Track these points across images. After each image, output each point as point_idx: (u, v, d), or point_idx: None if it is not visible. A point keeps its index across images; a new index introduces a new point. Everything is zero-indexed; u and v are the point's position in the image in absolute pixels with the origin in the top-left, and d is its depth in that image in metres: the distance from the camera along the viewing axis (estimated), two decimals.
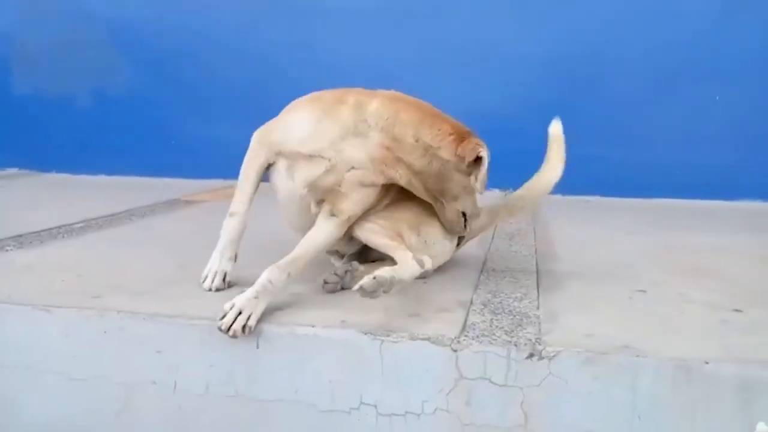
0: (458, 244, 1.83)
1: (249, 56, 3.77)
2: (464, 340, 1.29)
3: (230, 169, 3.66)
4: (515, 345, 1.27)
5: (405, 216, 1.69)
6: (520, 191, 1.87)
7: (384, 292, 1.37)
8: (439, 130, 1.59)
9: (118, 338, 1.43)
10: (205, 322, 1.39)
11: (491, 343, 1.28)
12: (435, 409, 1.29)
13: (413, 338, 1.31)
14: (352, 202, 1.60)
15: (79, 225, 2.41)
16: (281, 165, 1.63)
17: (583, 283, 1.73)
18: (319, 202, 1.62)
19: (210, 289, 1.59)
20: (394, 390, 1.30)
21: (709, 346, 1.27)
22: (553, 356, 1.24)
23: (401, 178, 1.61)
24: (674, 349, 1.25)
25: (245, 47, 3.78)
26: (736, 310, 1.50)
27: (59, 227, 2.36)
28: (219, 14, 3.79)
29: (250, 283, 1.42)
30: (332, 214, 1.60)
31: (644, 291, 1.66)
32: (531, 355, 1.25)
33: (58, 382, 1.46)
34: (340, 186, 1.59)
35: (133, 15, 3.91)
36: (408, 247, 1.64)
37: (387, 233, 1.62)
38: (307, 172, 1.59)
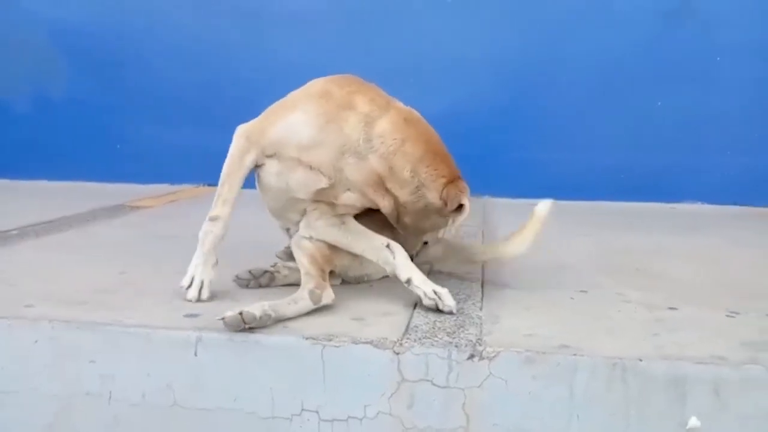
0: None
1: (197, 58, 3.71)
2: (406, 342, 1.29)
3: (178, 174, 3.67)
4: (456, 346, 1.27)
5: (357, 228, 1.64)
6: (484, 246, 1.82)
7: (255, 326, 1.32)
8: (435, 170, 1.51)
9: (50, 348, 1.37)
10: (141, 330, 1.35)
11: (433, 345, 1.28)
12: (377, 413, 1.28)
13: (355, 342, 1.30)
14: (346, 209, 1.61)
15: (14, 232, 2.32)
16: (272, 168, 1.56)
17: (527, 285, 1.75)
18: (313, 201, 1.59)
19: (194, 300, 1.51)
20: (336, 395, 1.29)
21: (643, 345, 1.30)
22: (494, 357, 1.25)
23: (385, 207, 1.56)
24: (610, 347, 1.28)
25: (193, 48, 3.71)
26: (671, 309, 1.54)
27: None
28: (165, 15, 3.71)
29: (226, 291, 1.38)
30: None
31: (585, 291, 1.69)
32: (472, 356, 1.25)
33: None
34: (336, 200, 1.57)
35: (74, 15, 3.79)
36: (342, 267, 1.64)
37: (311, 256, 1.57)
38: (305, 182, 1.54)
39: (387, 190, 1.53)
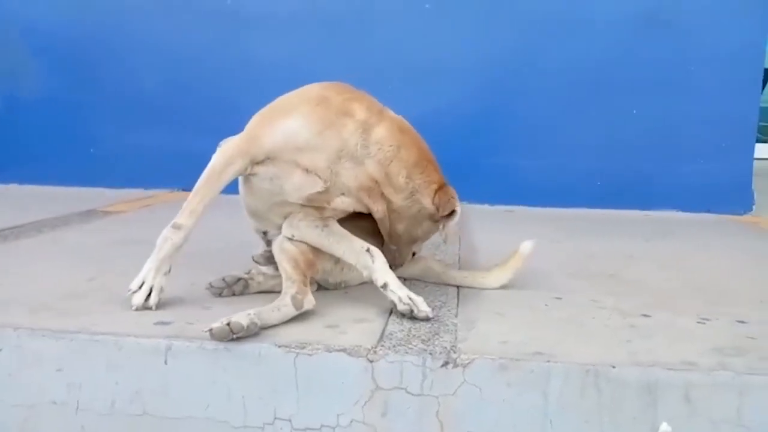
0: None
1: (173, 59, 3.66)
2: (381, 350, 1.28)
3: (152, 179, 3.62)
4: (431, 354, 1.27)
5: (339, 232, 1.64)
6: (462, 273, 1.82)
7: (243, 336, 1.30)
8: (428, 177, 1.58)
9: (15, 357, 1.34)
10: (110, 338, 1.32)
11: (407, 353, 1.27)
12: (351, 422, 1.27)
13: (329, 350, 1.28)
14: (334, 213, 1.61)
15: None
16: (265, 172, 1.54)
17: (502, 291, 1.75)
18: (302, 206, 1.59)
19: (140, 307, 1.46)
20: (310, 403, 1.27)
21: (616, 351, 1.31)
22: (468, 364, 1.25)
23: (378, 212, 1.59)
24: (584, 354, 1.28)
25: (169, 50, 3.66)
26: (644, 315, 1.55)
27: None
28: (140, 15, 3.66)
29: (181, 299, 1.35)
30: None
31: (560, 298, 1.70)
32: (446, 363, 1.25)
33: None
34: (329, 204, 1.57)
35: (47, 14, 3.71)
36: (323, 272, 1.64)
37: (295, 260, 1.56)
38: (301, 186, 1.53)
39: (381, 195, 1.56)
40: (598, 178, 3.55)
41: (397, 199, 1.57)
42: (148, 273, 1.50)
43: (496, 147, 3.57)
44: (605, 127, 3.54)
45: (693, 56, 3.47)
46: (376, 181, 1.55)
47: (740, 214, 3.46)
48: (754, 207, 3.49)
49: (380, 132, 1.54)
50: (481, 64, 3.54)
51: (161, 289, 1.50)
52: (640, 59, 3.49)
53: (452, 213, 1.60)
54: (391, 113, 1.62)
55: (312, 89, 1.60)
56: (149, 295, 1.48)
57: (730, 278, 2.01)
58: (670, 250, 2.48)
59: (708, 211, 3.45)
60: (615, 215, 3.32)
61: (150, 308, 1.47)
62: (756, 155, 3.58)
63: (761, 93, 3.66)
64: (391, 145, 1.54)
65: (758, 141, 3.63)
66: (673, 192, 3.50)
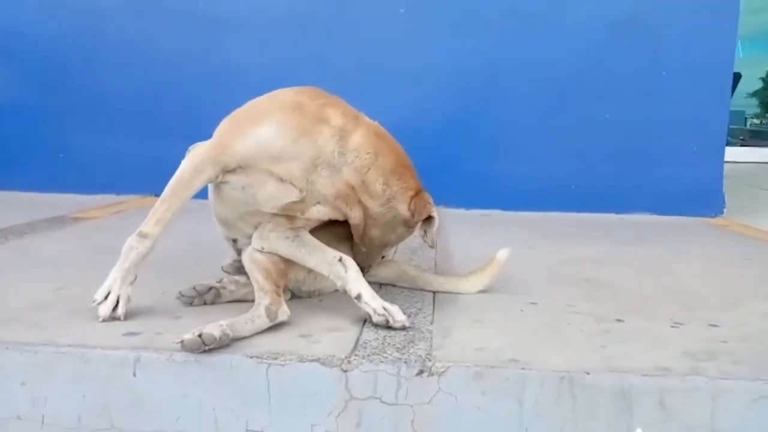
0: None
1: (144, 65, 3.61)
2: (355, 359, 1.26)
3: (124, 184, 3.55)
4: (405, 362, 1.25)
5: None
6: (438, 278, 1.81)
7: (215, 347, 1.27)
8: (405, 183, 1.56)
9: None
10: (76, 350, 1.28)
11: (382, 362, 1.26)
12: None
13: (302, 360, 1.26)
14: (308, 223, 1.58)
15: None
16: (238, 182, 1.49)
17: (478, 296, 1.75)
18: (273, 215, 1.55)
19: (106, 318, 1.42)
20: (282, 415, 1.25)
21: (591, 357, 1.31)
22: (443, 372, 1.23)
23: (354, 218, 1.56)
24: (559, 361, 1.28)
25: (139, 55, 3.61)
26: (618, 320, 1.56)
27: None
28: (111, 20, 3.60)
29: (151, 309, 1.32)
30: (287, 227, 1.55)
31: (535, 303, 1.70)
32: (421, 372, 1.23)
33: None
34: (303, 214, 1.54)
35: (15, 18, 3.64)
36: (296, 281, 1.62)
37: (266, 270, 1.54)
38: (275, 195, 1.49)
39: (358, 202, 1.54)
40: (573, 182, 3.58)
41: (374, 206, 1.55)
42: (113, 283, 1.45)
43: (472, 152, 3.58)
44: (580, 133, 3.58)
45: (665, 63, 3.53)
46: (353, 188, 1.53)
47: (711, 217, 3.51)
48: (725, 210, 3.55)
49: (357, 139, 1.51)
50: (456, 70, 3.55)
51: (128, 299, 1.46)
52: (614, 66, 3.54)
53: (430, 218, 1.60)
54: (366, 118, 1.59)
55: (285, 94, 1.56)
56: (116, 305, 1.44)
57: (703, 282, 2.04)
58: (645, 253, 2.50)
59: (681, 214, 3.50)
60: (590, 219, 3.35)
61: (118, 318, 1.43)
62: (726, 158, 3.64)
63: (731, 98, 3.73)
64: (368, 152, 1.52)
65: (728, 144, 3.70)
66: (647, 196, 3.55)
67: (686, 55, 3.50)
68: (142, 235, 1.46)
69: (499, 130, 3.59)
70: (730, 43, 3.54)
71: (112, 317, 1.43)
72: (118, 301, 1.45)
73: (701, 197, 3.55)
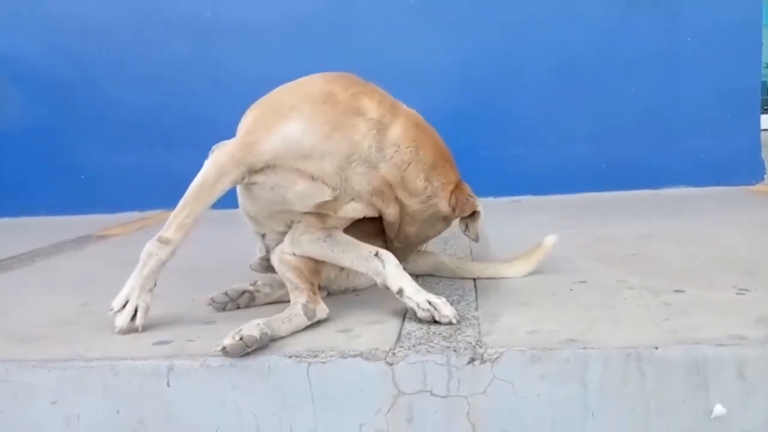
0: None
1: (152, 78, 3.56)
2: (400, 351, 1.18)
3: (147, 200, 3.51)
4: (455, 350, 1.16)
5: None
6: (479, 265, 1.73)
7: (256, 348, 1.19)
8: (446, 178, 1.44)
9: (4, 392, 1.23)
10: (105, 363, 1.21)
11: (429, 352, 1.17)
12: None
13: (344, 356, 1.18)
14: (341, 222, 1.47)
15: None
16: (265, 181, 1.38)
17: (521, 280, 1.65)
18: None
19: (124, 329, 1.34)
20: (328, 416, 1.17)
21: (655, 331, 1.20)
22: (496, 358, 1.14)
23: (390, 215, 1.45)
24: (621, 337, 1.18)
25: (147, 69, 3.56)
26: (677, 291, 1.45)
27: None
28: (115, 36, 3.56)
29: (180, 317, 1.24)
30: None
31: (584, 282, 1.59)
32: (472, 360, 1.14)
33: None
34: (336, 212, 1.43)
35: (22, 42, 3.61)
36: (327, 280, 1.54)
37: (298, 269, 1.45)
38: (306, 195, 1.38)
39: (395, 199, 1.43)
40: (604, 160, 3.46)
41: (412, 203, 1.44)
42: (131, 291, 1.36)
43: (495, 139, 3.48)
44: (606, 110, 3.46)
45: (687, 29, 3.40)
46: (390, 185, 1.41)
47: (752, 185, 3.37)
48: (765, 176, 3.40)
49: (396, 131, 1.39)
50: (469, 57, 3.45)
51: (147, 308, 1.37)
52: (633, 36, 3.41)
53: (474, 213, 1.51)
54: (404, 106, 1.47)
55: (314, 83, 1.44)
56: (134, 315, 1.36)
57: (758, 248, 1.91)
58: (688, 225, 2.37)
59: (719, 184, 3.36)
60: (625, 196, 3.23)
61: (136, 329, 1.35)
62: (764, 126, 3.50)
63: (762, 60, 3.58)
64: (408, 147, 1.39)
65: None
66: (682, 168, 3.42)
67: (708, 17, 3.36)
68: (163, 241, 1.37)
69: (521, 114, 3.49)
70: (755, 3, 3.39)
71: (130, 328, 1.35)
72: (136, 311, 1.36)
73: (739, 165, 3.41)
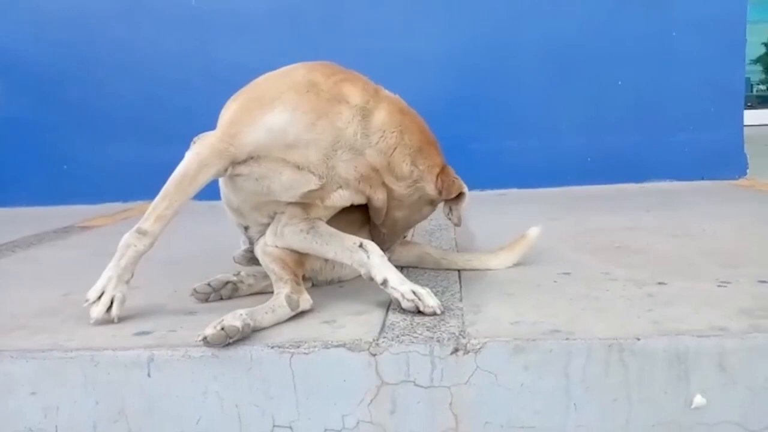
0: None
1: (141, 69, 3.51)
2: (383, 341, 1.17)
3: (130, 191, 3.47)
4: (438, 341, 1.16)
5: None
6: (464, 256, 1.72)
7: (238, 339, 1.18)
8: (432, 161, 1.44)
9: None
10: (85, 353, 1.20)
11: (413, 342, 1.16)
12: (357, 423, 1.16)
13: (327, 347, 1.17)
14: (327, 211, 1.47)
15: None
16: (249, 172, 1.37)
17: (506, 272, 1.65)
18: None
19: (98, 320, 1.32)
20: (311, 407, 1.16)
21: (638, 322, 1.21)
22: (480, 348, 1.14)
23: (377, 201, 1.45)
24: (604, 328, 1.18)
25: (136, 60, 3.51)
26: (660, 283, 1.46)
27: None
28: (104, 27, 3.51)
29: (162, 307, 1.23)
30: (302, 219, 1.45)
31: (568, 273, 1.60)
32: (456, 350, 1.14)
33: None
34: (323, 201, 1.42)
35: (8, 32, 3.56)
36: (312, 271, 1.53)
37: (282, 261, 1.44)
38: (292, 185, 1.37)
39: (382, 184, 1.43)
40: (588, 154, 3.46)
41: (399, 187, 1.44)
42: (108, 282, 1.34)
43: (483, 132, 3.47)
44: (592, 103, 3.47)
45: (674, 23, 3.40)
46: (377, 171, 1.41)
47: (735, 179, 3.39)
48: (748, 171, 3.43)
49: (381, 117, 1.39)
50: (458, 47, 3.44)
51: (123, 299, 1.35)
52: (621, 30, 3.41)
53: (460, 195, 1.50)
54: (386, 92, 1.47)
55: (296, 72, 1.42)
56: (110, 306, 1.34)
57: (741, 241, 1.93)
58: (673, 218, 2.39)
59: (703, 178, 3.38)
60: (610, 190, 3.24)
61: (112, 321, 1.33)
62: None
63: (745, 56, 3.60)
64: (393, 131, 1.39)
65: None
66: (667, 162, 3.43)
67: (696, 12, 3.38)
68: (141, 233, 1.34)
69: (508, 107, 3.48)
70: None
71: (105, 319, 1.33)
72: (112, 302, 1.34)
73: (722, 159, 3.43)
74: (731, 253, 1.73)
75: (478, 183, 3.35)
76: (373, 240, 1.47)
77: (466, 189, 1.51)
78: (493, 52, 3.45)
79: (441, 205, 1.56)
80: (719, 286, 1.42)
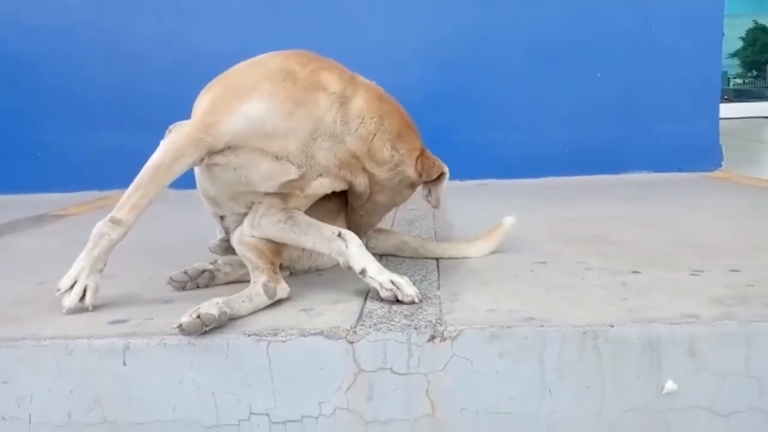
0: None
1: (118, 55, 3.47)
2: (361, 329, 1.17)
3: (106, 179, 3.42)
4: (415, 329, 1.16)
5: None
6: (445, 244, 1.74)
7: (214, 327, 1.17)
8: (412, 145, 1.45)
9: None
10: (59, 342, 1.19)
11: (390, 330, 1.17)
12: (334, 410, 1.16)
13: (304, 334, 1.17)
14: (307, 200, 1.46)
15: None
16: (226, 162, 1.35)
17: (483, 260, 1.66)
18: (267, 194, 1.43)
19: (71, 309, 1.30)
20: (287, 395, 1.16)
21: (612, 310, 1.23)
22: (456, 336, 1.15)
23: (359, 186, 1.45)
24: (578, 316, 1.20)
25: (113, 45, 3.47)
26: (635, 272, 1.48)
27: None
28: (80, 12, 3.46)
29: (138, 295, 1.21)
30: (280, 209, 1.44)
31: (544, 262, 1.61)
32: (432, 338, 1.15)
33: None
34: (302, 191, 1.42)
35: None
36: (290, 260, 1.52)
37: (258, 250, 1.43)
38: (270, 175, 1.36)
39: (363, 170, 1.43)
40: (567, 145, 3.49)
41: (380, 172, 1.45)
42: (80, 272, 1.32)
43: (463, 123, 3.48)
44: (571, 95, 3.49)
45: (654, 18, 3.44)
46: (357, 157, 1.41)
47: (710, 171, 3.45)
48: (723, 163, 3.48)
49: (359, 103, 1.39)
50: (438, 37, 3.44)
51: (96, 288, 1.33)
52: (603, 24, 3.44)
53: (440, 177, 1.51)
54: (363, 79, 1.47)
55: (271, 61, 1.41)
56: (83, 296, 1.32)
57: (715, 232, 1.96)
58: (650, 209, 2.43)
59: (679, 170, 3.43)
60: (589, 181, 3.27)
61: (86, 309, 1.31)
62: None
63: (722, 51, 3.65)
64: (372, 117, 1.40)
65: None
66: (644, 154, 3.48)
67: (675, 7, 3.42)
68: (115, 222, 1.32)
69: (487, 97, 3.50)
70: None
71: (78, 308, 1.31)
72: (85, 291, 1.32)
73: (699, 152, 3.49)
74: (705, 244, 1.76)
75: (458, 173, 3.31)
76: (349, 227, 1.48)
77: (446, 169, 1.52)
78: (473, 44, 3.46)
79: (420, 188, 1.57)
80: (692, 275, 1.45)
